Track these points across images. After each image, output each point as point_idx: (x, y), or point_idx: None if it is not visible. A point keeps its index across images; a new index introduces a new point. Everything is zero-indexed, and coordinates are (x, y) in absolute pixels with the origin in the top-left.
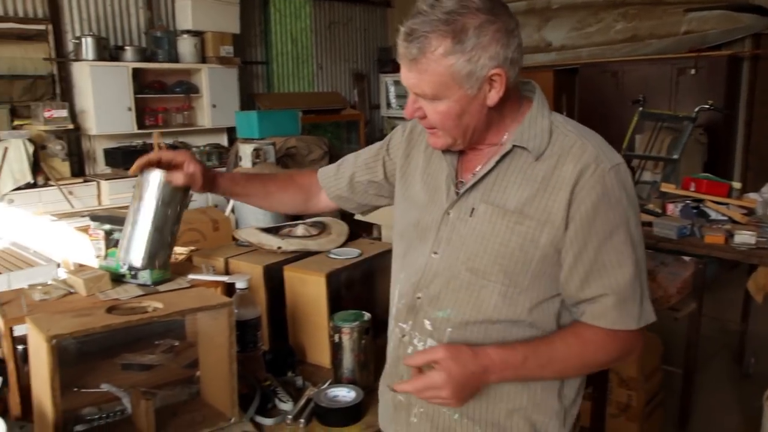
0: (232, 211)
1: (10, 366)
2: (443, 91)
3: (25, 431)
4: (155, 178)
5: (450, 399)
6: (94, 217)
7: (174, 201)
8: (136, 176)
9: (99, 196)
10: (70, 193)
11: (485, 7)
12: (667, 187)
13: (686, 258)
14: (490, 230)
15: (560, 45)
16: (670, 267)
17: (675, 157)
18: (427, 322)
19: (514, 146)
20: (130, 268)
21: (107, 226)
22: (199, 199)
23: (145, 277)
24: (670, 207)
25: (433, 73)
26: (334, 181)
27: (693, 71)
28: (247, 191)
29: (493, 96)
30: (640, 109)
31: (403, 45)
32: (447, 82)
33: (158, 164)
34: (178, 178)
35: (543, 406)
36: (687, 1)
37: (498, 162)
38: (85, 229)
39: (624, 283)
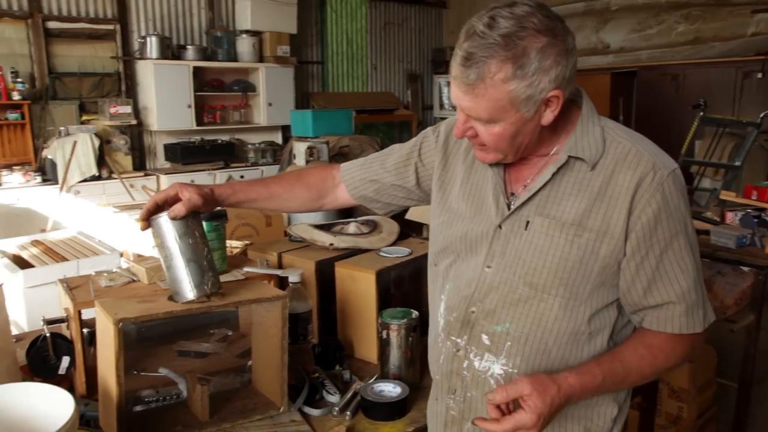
0: None
1: (78, 347)
2: (500, 115)
3: (89, 408)
4: (163, 221)
5: None
6: None
7: (189, 230)
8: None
9: (158, 189)
10: (132, 186)
11: (545, 27)
12: (728, 195)
13: (745, 268)
14: (549, 244)
15: (618, 47)
16: (728, 277)
17: (737, 164)
18: (484, 337)
19: (569, 157)
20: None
21: None
22: None
23: None
24: (730, 215)
25: (491, 98)
26: (360, 182)
27: (759, 75)
28: (250, 197)
29: (549, 116)
30: (701, 113)
31: (460, 69)
32: (505, 106)
33: (158, 209)
34: (179, 209)
35: (597, 410)
36: (755, 1)
37: (555, 176)
38: None
39: (688, 288)
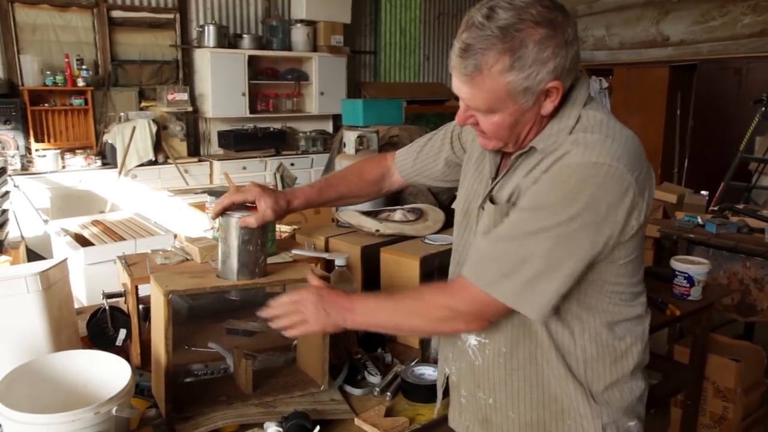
0: None
1: (134, 320)
2: (498, 106)
3: (144, 379)
4: (233, 222)
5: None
6: (211, 192)
7: (253, 237)
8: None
9: (211, 175)
10: (186, 171)
11: (544, 19)
12: None
13: None
14: (491, 224)
15: (679, 39)
16: None
17: None
18: None
19: (530, 147)
20: None
21: None
22: (303, 183)
23: None
24: None
25: (489, 90)
26: (412, 167)
27: None
28: (323, 202)
29: (548, 106)
30: (762, 109)
31: (458, 60)
32: (503, 97)
33: (233, 207)
34: (251, 222)
35: (571, 398)
36: None
37: (515, 161)
38: (197, 205)
39: (503, 253)
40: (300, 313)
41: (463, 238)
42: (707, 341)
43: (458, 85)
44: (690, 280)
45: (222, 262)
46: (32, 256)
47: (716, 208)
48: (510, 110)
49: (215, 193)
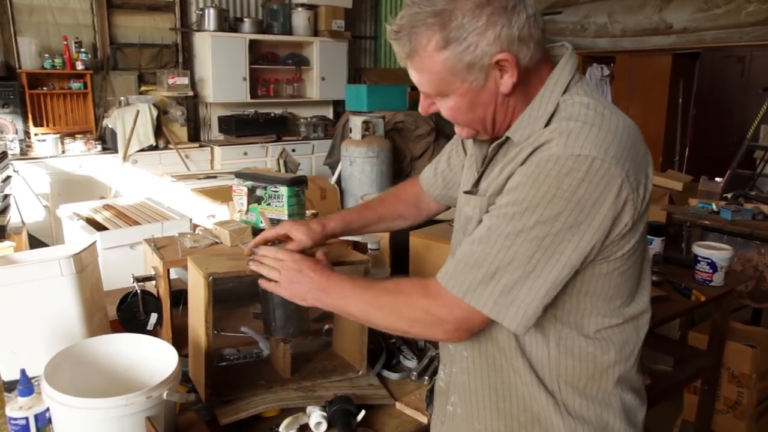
0: (338, 182)
1: (166, 304)
2: (445, 87)
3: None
4: None
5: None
6: (238, 174)
7: None
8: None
9: (212, 160)
10: (187, 156)
11: None
12: None
13: None
14: (475, 219)
15: (682, 27)
16: None
17: None
18: None
19: (506, 137)
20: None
21: (249, 183)
22: (305, 169)
23: None
24: None
25: (430, 71)
26: (434, 180)
27: None
28: (363, 225)
29: (507, 82)
30: None
31: (395, 44)
32: (446, 78)
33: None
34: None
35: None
36: None
37: (495, 153)
38: (202, 191)
39: (481, 256)
40: (277, 272)
41: (456, 242)
42: (726, 327)
43: (409, 72)
44: (713, 266)
45: (262, 302)
46: (33, 241)
47: (729, 196)
48: (460, 90)
49: (242, 175)
